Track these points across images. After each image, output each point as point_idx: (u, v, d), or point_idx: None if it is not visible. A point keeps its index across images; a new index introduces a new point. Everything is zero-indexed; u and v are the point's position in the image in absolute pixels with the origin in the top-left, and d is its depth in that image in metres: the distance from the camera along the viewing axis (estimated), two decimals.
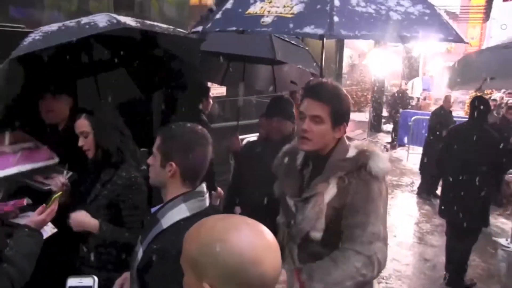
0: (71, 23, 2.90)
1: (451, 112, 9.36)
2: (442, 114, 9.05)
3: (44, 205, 2.34)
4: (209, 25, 2.91)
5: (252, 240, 1.09)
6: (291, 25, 2.57)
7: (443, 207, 5.41)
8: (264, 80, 5.40)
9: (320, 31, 2.52)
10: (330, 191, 2.14)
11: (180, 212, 1.84)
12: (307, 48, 5.17)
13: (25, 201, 2.72)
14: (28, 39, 2.83)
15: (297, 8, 2.59)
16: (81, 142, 2.79)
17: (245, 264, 1.05)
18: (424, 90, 19.86)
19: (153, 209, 1.94)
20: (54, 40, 2.76)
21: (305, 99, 2.21)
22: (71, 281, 1.91)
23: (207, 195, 1.94)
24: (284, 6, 2.62)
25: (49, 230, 2.52)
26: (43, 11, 5.39)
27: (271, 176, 2.53)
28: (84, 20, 2.87)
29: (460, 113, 15.22)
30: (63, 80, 3.28)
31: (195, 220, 1.75)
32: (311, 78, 5.06)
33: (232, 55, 4.52)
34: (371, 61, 17.30)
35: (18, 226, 2.38)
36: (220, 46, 3.88)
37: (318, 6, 2.59)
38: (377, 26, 2.59)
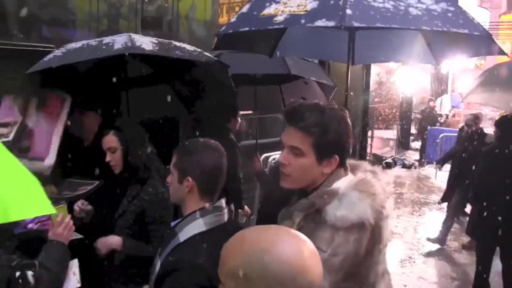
0: (94, 41, 3.03)
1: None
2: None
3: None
4: (223, 28, 2.98)
5: (298, 249, 1.09)
6: (302, 21, 2.57)
7: (478, 227, 5.25)
8: (273, 100, 5.43)
9: (331, 23, 2.49)
10: None
11: (197, 226, 1.87)
12: (316, 62, 5.21)
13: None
14: (50, 55, 2.95)
15: (311, 6, 2.60)
16: (108, 158, 2.85)
17: (294, 273, 1.04)
18: (453, 107, 19.61)
19: (172, 223, 1.99)
20: (70, 59, 2.89)
21: (286, 125, 1.80)
22: None
23: (225, 210, 1.97)
24: (298, 5, 2.64)
25: (72, 283, 2.48)
26: (75, 31, 5.56)
27: None
28: (105, 40, 2.99)
29: (490, 130, 14.90)
30: (93, 96, 3.37)
31: (211, 235, 1.81)
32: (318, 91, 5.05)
33: (240, 79, 4.57)
34: (399, 78, 17.23)
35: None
36: (234, 67, 3.96)
37: (332, 2, 2.60)
38: (394, 20, 2.55)
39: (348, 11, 2.45)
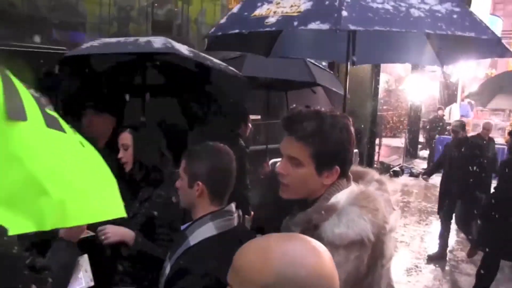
0: (128, 39, 3.08)
1: (490, 139, 9.05)
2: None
3: None
4: (212, 30, 2.90)
5: (325, 260, 1.07)
6: (295, 23, 2.44)
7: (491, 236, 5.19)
8: (278, 106, 5.43)
9: (325, 26, 2.35)
10: None
11: (207, 230, 1.87)
12: (331, 72, 5.22)
13: None
14: (87, 44, 3.00)
15: (304, 6, 2.47)
16: (120, 154, 2.90)
17: (324, 284, 1.04)
18: (462, 116, 19.51)
19: (182, 227, 1.99)
20: (110, 49, 2.95)
21: (285, 134, 1.72)
22: None
23: (235, 214, 1.97)
24: (291, 6, 2.51)
25: (85, 282, 2.51)
26: (85, 34, 5.61)
27: None
28: (141, 39, 3.04)
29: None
30: (109, 97, 3.40)
31: (221, 239, 1.81)
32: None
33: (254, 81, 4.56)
34: (408, 86, 17.19)
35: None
36: (261, 71, 3.89)
37: (327, 2, 2.47)
38: (394, 22, 2.41)
39: (344, 13, 2.33)
